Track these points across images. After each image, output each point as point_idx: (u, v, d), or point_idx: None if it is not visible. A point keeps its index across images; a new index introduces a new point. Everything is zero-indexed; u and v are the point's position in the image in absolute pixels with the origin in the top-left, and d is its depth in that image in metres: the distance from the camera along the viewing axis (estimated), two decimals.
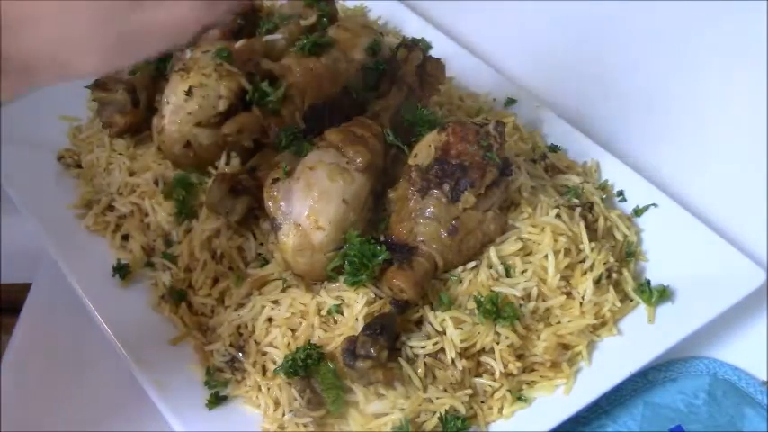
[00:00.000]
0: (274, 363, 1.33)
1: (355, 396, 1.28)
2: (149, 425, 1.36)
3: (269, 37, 1.65)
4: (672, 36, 2.01)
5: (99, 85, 1.65)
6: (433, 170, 1.34)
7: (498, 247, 1.37)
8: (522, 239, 1.38)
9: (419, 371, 1.29)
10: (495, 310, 1.30)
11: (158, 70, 1.66)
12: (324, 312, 1.34)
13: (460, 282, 1.35)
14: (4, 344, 1.53)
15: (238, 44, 1.60)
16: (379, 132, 1.42)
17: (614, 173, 1.59)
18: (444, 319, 1.30)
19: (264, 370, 1.35)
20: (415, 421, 1.27)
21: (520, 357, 1.32)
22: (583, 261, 1.40)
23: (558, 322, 1.36)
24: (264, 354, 1.36)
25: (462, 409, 1.28)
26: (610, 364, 1.34)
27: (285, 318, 1.36)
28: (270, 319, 1.37)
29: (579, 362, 1.35)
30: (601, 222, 1.48)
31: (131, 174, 1.62)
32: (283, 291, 1.38)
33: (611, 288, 1.39)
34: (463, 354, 1.30)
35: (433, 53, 1.60)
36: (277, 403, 1.32)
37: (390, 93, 1.50)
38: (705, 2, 2.04)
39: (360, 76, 1.54)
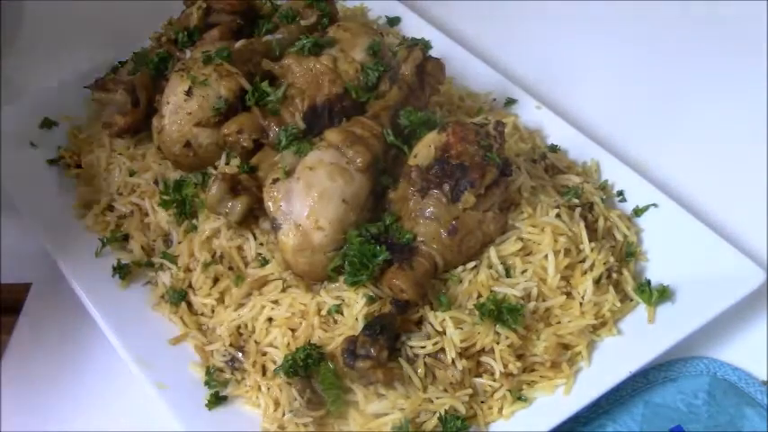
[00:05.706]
0: (274, 363, 1.34)
1: (355, 396, 1.29)
2: (149, 424, 1.36)
3: (269, 37, 1.65)
4: (672, 36, 2.01)
5: (99, 85, 1.65)
6: (433, 170, 1.34)
7: (498, 247, 1.37)
8: (522, 239, 1.38)
9: (419, 371, 1.29)
10: (497, 310, 1.30)
11: (158, 70, 1.66)
12: (324, 312, 1.34)
13: (460, 282, 1.35)
14: (4, 344, 1.53)
15: (238, 44, 1.60)
16: (379, 132, 1.42)
17: (614, 173, 1.59)
18: (444, 319, 1.30)
19: (264, 370, 1.36)
20: (415, 421, 1.27)
21: (520, 357, 1.32)
22: (583, 261, 1.40)
23: (558, 322, 1.36)
24: (264, 354, 1.36)
25: (462, 409, 1.28)
26: (610, 364, 1.34)
27: (285, 318, 1.36)
28: (270, 319, 1.37)
29: (579, 362, 1.35)
30: (601, 222, 1.48)
31: (131, 174, 1.62)
32: (283, 291, 1.38)
33: (611, 288, 1.39)
34: (463, 354, 1.30)
35: (433, 53, 1.60)
36: (277, 403, 1.32)
37: (390, 93, 1.50)
38: (705, 2, 2.04)
39: (360, 76, 1.53)
